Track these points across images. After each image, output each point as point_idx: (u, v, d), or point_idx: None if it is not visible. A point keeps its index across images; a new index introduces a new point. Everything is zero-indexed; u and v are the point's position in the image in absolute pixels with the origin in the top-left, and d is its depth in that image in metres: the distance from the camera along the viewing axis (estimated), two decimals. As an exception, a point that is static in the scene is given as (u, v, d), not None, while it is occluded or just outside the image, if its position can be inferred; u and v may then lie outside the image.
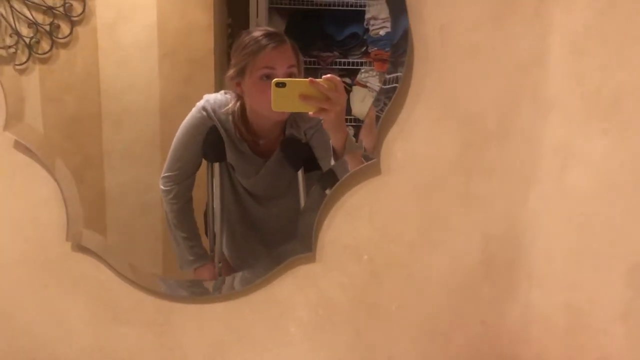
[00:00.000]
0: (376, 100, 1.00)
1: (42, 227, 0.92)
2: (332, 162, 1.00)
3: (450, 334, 1.03)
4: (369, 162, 0.95)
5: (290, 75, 1.13)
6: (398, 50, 0.93)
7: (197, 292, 1.07)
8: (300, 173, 1.22)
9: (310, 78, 0.93)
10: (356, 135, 1.02)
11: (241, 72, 1.17)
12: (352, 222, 0.97)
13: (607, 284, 0.87)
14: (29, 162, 0.89)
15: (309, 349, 1.02)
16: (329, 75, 0.93)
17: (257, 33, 1.17)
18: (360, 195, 0.96)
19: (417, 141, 0.95)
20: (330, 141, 1.00)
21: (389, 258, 0.99)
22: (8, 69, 1.26)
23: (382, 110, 0.95)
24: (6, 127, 0.89)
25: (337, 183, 0.96)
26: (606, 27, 0.85)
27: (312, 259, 0.97)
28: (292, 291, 0.99)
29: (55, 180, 0.89)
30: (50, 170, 0.90)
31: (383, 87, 0.99)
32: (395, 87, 0.92)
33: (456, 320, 1.02)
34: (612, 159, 0.85)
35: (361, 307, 1.01)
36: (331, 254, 0.98)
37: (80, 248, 0.93)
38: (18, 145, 0.89)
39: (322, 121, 0.97)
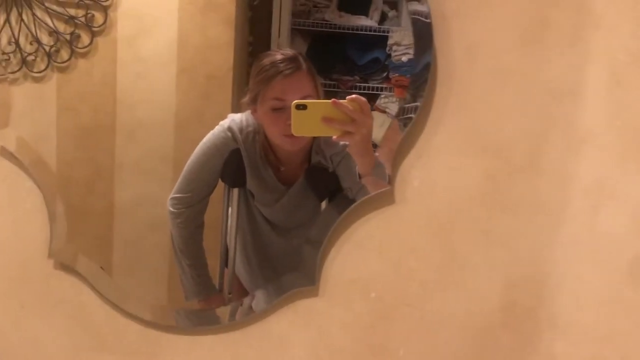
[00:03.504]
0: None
1: (23, 241, 0.88)
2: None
3: (464, 386, 0.98)
4: (382, 189, 0.91)
5: None
6: (418, 80, 0.89)
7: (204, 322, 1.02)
8: (324, 203, 1.16)
9: (333, 99, 0.90)
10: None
11: (254, 100, 1.13)
12: (361, 254, 0.93)
13: None
14: (15, 170, 0.84)
15: (306, 392, 0.98)
16: (353, 96, 0.90)
17: (275, 57, 1.12)
18: (371, 225, 0.93)
19: (436, 169, 0.91)
20: (357, 167, 0.96)
21: (399, 297, 0.95)
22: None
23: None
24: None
25: (347, 210, 0.92)
26: None
27: (314, 293, 0.94)
28: (291, 327, 0.95)
29: (42, 191, 0.84)
30: (37, 181, 0.86)
31: (399, 117, 0.94)
32: (411, 118, 0.88)
33: (470, 370, 0.97)
34: None
35: (365, 349, 0.97)
36: (336, 289, 0.94)
37: (63, 266, 0.88)
38: (4, 152, 0.85)
39: (348, 146, 0.94)
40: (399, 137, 0.91)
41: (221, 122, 1.17)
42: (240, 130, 1.15)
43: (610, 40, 0.85)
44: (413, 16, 0.90)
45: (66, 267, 0.87)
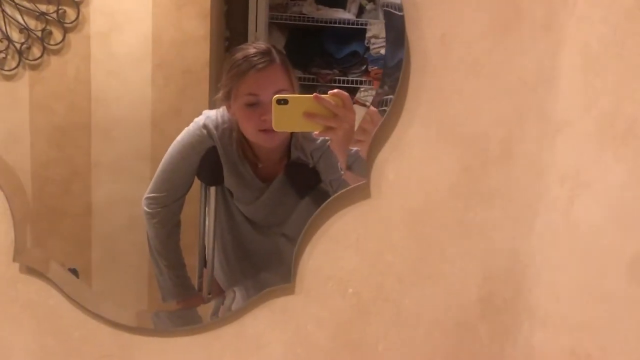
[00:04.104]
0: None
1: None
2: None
3: (443, 379, 0.98)
4: (358, 184, 0.90)
5: None
6: (392, 76, 0.88)
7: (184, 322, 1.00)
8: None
9: (315, 94, 0.89)
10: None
11: (228, 96, 1.11)
12: (337, 250, 0.92)
13: (620, 329, 0.81)
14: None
15: (284, 391, 0.97)
16: (336, 91, 0.89)
17: (249, 50, 1.10)
18: (347, 220, 0.91)
19: (411, 162, 0.90)
20: (339, 163, 0.95)
21: (377, 292, 0.94)
22: None
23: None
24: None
25: (322, 205, 0.90)
26: (624, 42, 0.80)
27: (290, 291, 0.92)
28: (267, 326, 0.93)
29: (4, 194, 0.82)
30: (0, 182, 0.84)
31: (378, 109, 0.93)
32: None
33: (449, 363, 0.97)
34: (627, 190, 0.79)
35: (344, 345, 0.96)
36: (312, 286, 0.93)
37: (29, 270, 0.86)
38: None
39: (330, 141, 0.93)
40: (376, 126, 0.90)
41: (196, 119, 1.15)
42: (216, 127, 1.13)
43: (583, 28, 0.85)
44: (385, 8, 0.90)
45: (33, 270, 0.85)
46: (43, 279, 0.86)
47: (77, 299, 0.87)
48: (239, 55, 1.10)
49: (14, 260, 0.84)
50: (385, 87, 0.93)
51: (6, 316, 0.89)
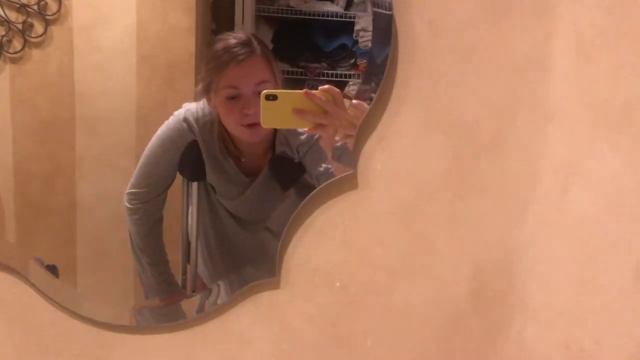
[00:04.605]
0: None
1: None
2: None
3: (434, 374, 0.97)
4: (344, 174, 0.88)
5: (259, 93, 1.05)
6: (375, 70, 0.87)
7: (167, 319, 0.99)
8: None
9: (305, 89, 0.87)
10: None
11: (208, 89, 1.09)
12: (324, 243, 0.91)
13: (614, 322, 0.80)
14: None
15: (270, 388, 0.96)
16: (326, 87, 0.88)
17: (229, 41, 1.09)
18: (334, 212, 0.90)
19: (399, 152, 0.89)
20: (328, 160, 0.94)
21: (365, 285, 0.93)
22: None
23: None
24: None
25: (307, 197, 0.89)
26: (619, 27, 0.79)
27: (276, 285, 0.91)
28: (252, 322, 0.92)
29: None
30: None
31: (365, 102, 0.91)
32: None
33: (440, 358, 0.96)
34: (622, 179, 0.78)
35: (331, 341, 0.95)
36: (298, 280, 0.92)
37: (3, 267, 0.83)
38: None
39: (319, 138, 0.92)
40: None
41: (176, 113, 1.14)
42: (197, 120, 1.12)
43: (576, 12, 0.84)
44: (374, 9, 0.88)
45: (5, 267, 0.82)
46: (16, 275, 0.84)
47: (53, 297, 0.84)
48: (219, 45, 1.09)
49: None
50: (372, 84, 0.91)
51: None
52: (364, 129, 0.87)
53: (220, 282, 1.12)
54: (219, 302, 0.98)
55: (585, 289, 0.84)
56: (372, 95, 0.88)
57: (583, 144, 0.84)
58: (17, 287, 0.84)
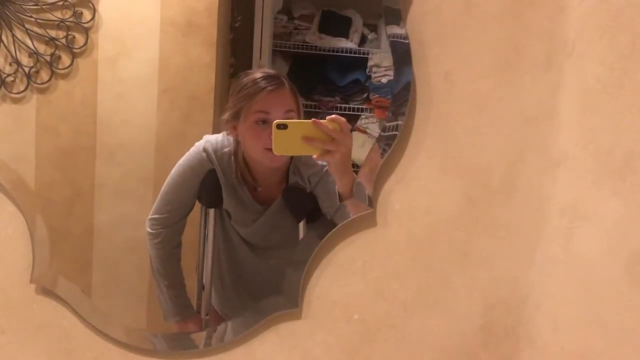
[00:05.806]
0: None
1: (5, 267, 0.86)
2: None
3: (445, 405, 0.97)
4: (364, 212, 0.91)
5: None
6: (399, 99, 0.90)
7: (182, 346, 1.01)
8: (302, 223, 1.16)
9: (313, 119, 0.91)
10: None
11: (236, 116, 1.13)
12: (344, 276, 0.93)
13: (617, 358, 0.81)
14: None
15: (290, 414, 0.97)
16: (333, 116, 0.92)
17: (256, 75, 1.13)
18: (354, 247, 0.93)
19: (416, 192, 0.91)
20: (336, 187, 0.96)
21: (382, 318, 0.94)
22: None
23: (380, 157, 0.92)
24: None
25: (329, 233, 0.92)
26: (621, 82, 0.82)
27: (297, 316, 0.93)
28: (274, 350, 0.93)
29: (24, 216, 0.83)
30: (19, 205, 0.85)
31: (382, 134, 0.95)
32: (394, 135, 0.89)
33: (451, 390, 0.97)
34: (624, 223, 0.81)
35: None
36: (319, 311, 0.93)
37: (45, 291, 0.86)
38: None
39: (327, 164, 0.95)
40: (379, 157, 0.92)
41: (197, 143, 1.17)
42: (215, 151, 1.15)
43: (582, 67, 0.87)
44: (392, 39, 0.91)
45: (48, 291, 0.86)
46: (57, 300, 0.86)
47: (89, 320, 0.87)
48: (247, 79, 1.13)
49: (31, 281, 0.85)
50: (389, 114, 0.94)
51: (21, 336, 0.89)
52: (384, 171, 0.90)
53: (233, 316, 1.14)
54: (232, 333, 1.00)
55: (589, 326, 0.86)
56: (390, 124, 0.91)
57: (588, 189, 0.87)
58: (58, 311, 0.86)
